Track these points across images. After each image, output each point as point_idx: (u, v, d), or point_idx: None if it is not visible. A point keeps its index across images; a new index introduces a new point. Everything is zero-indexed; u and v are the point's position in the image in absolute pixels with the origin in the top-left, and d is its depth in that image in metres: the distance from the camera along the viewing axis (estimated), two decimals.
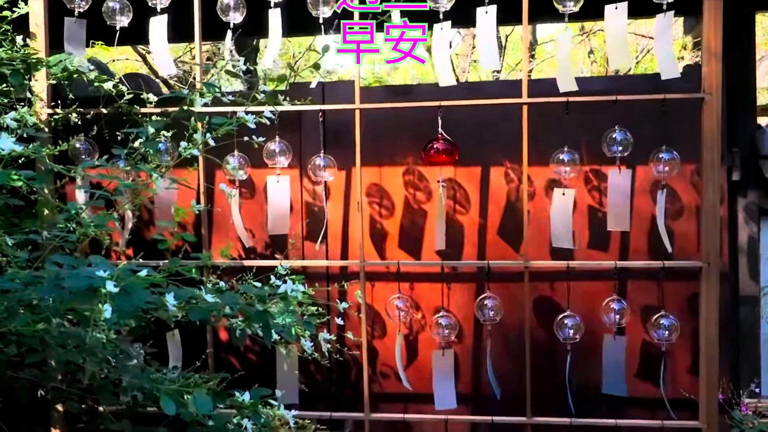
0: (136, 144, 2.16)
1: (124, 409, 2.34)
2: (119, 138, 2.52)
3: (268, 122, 2.10)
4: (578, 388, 2.93)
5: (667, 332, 2.76)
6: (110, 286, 1.33)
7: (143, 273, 1.49)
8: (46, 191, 2.62)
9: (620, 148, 2.75)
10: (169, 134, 2.25)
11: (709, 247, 2.67)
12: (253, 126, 2.01)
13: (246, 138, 2.13)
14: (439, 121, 2.77)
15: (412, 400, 3.08)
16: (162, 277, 1.65)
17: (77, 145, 2.87)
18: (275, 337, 1.92)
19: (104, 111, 2.75)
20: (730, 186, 3.05)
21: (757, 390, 2.78)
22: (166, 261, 1.98)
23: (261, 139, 2.10)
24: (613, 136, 2.75)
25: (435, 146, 2.81)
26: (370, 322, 3.10)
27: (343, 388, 3.15)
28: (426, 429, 3.08)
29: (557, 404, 2.88)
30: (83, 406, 2.75)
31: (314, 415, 2.86)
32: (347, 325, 3.10)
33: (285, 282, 1.76)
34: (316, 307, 2.15)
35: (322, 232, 3.00)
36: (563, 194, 2.81)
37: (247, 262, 2.84)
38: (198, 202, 2.95)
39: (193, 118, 2.08)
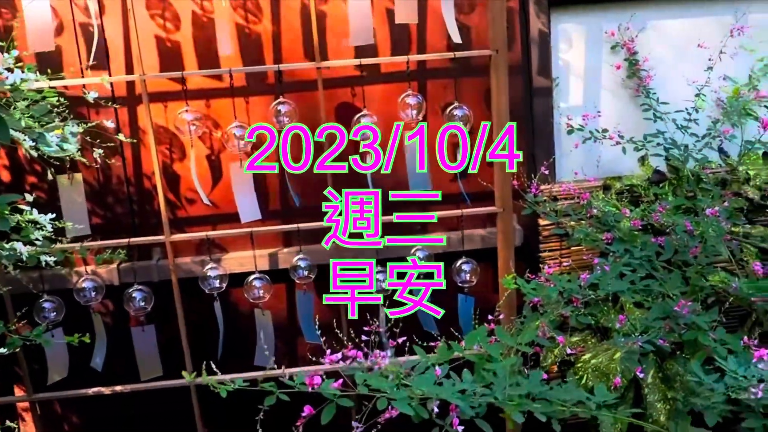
0: None
1: None
2: None
3: None
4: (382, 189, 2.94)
5: (461, 123, 2.78)
6: None
7: None
8: None
9: None
10: None
11: (496, 35, 2.65)
12: None
13: None
14: None
15: (223, 221, 2.98)
16: None
17: None
18: (28, 141, 1.72)
19: None
20: None
21: (546, 173, 2.88)
22: None
23: None
24: None
25: None
26: (167, 145, 2.94)
27: (147, 217, 3.00)
28: (237, 246, 3.01)
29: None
30: None
31: (110, 243, 2.71)
32: (142, 151, 2.93)
33: (12, 72, 1.54)
34: (57, 98, 1.93)
35: (94, 48, 2.74)
36: None
37: None
38: None
39: None
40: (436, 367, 1.88)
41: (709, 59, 2.98)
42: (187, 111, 2.72)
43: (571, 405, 1.94)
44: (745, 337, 2.12)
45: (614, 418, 2.38)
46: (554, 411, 1.94)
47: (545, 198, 2.98)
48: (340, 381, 1.77)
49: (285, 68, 2.72)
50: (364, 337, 2.03)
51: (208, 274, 2.79)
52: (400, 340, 2.11)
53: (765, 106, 2.42)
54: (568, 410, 1.93)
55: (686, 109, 3.00)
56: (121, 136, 2.66)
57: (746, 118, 2.49)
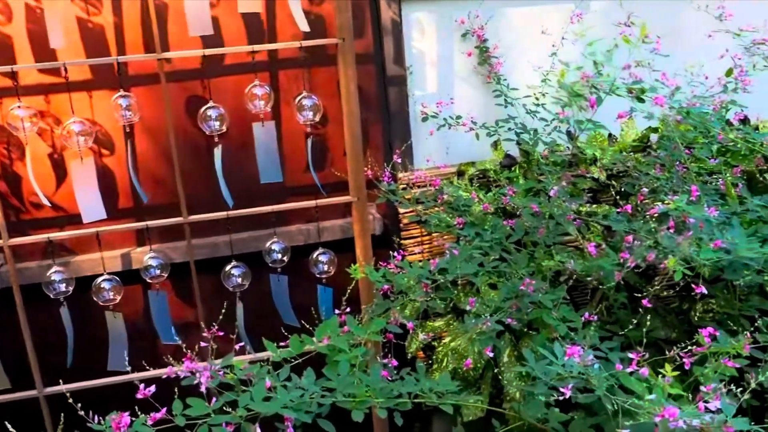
0: None
1: None
2: None
3: None
4: (238, 182, 2.78)
5: (311, 113, 2.65)
6: None
7: None
8: None
9: None
10: None
11: (342, 23, 2.53)
12: None
13: None
14: None
15: (72, 222, 2.73)
16: None
17: None
18: None
19: None
20: None
21: (399, 161, 2.78)
22: None
23: None
24: None
25: None
26: (5, 144, 2.67)
27: None
28: (89, 248, 2.76)
29: (215, 200, 2.70)
30: None
31: None
32: None
33: None
34: None
35: None
36: None
37: None
38: None
39: None
40: (267, 380, 1.74)
41: (553, 45, 2.95)
42: (19, 107, 2.47)
43: (413, 396, 1.85)
44: (587, 314, 2.10)
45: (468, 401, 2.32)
46: (397, 404, 1.84)
47: (404, 186, 2.89)
48: (161, 412, 1.60)
49: (124, 60, 2.50)
50: (203, 344, 1.88)
51: (53, 278, 2.55)
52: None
53: (594, 87, 2.41)
54: (410, 402, 1.84)
55: (534, 94, 2.97)
56: None
57: (577, 99, 2.48)
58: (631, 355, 1.70)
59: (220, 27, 2.69)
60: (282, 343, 1.99)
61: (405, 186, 2.89)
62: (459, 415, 2.64)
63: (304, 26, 2.60)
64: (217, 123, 2.57)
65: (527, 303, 2.21)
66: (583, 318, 2.09)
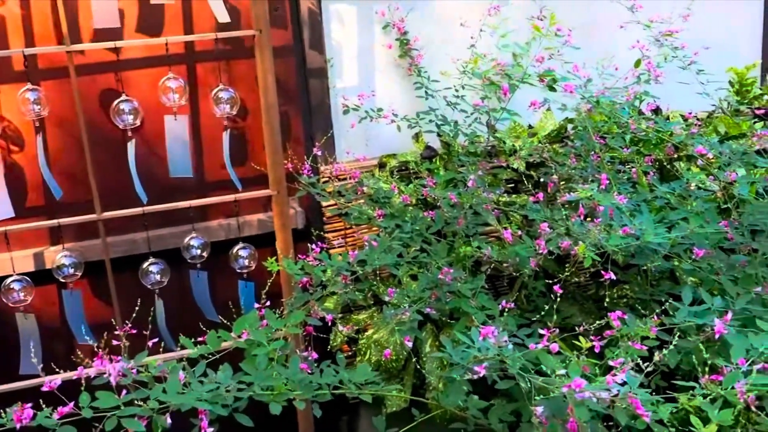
0: None
1: None
2: None
3: None
4: (155, 177, 2.71)
5: (228, 106, 2.60)
6: None
7: None
8: None
9: None
10: None
11: (258, 15, 2.48)
12: None
13: None
14: None
15: None
16: None
17: None
18: None
19: None
20: None
21: (319, 153, 2.76)
22: None
23: None
24: None
25: None
26: None
27: None
28: None
29: (131, 196, 2.63)
30: None
31: None
32: None
33: None
34: None
35: None
36: None
37: None
38: None
39: None
40: (181, 372, 1.70)
41: (471, 38, 2.97)
42: None
43: (332, 388, 1.85)
44: (504, 301, 2.12)
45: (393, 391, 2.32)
46: (316, 396, 1.83)
47: (326, 179, 2.87)
48: (69, 407, 1.55)
49: (31, 53, 2.40)
50: (115, 342, 1.83)
51: None
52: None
53: (507, 75, 2.44)
54: (329, 393, 1.83)
55: (454, 86, 2.98)
56: None
57: (493, 87, 2.51)
58: (542, 331, 1.73)
59: (126, 17, 2.61)
60: (200, 339, 1.95)
61: (327, 179, 2.88)
62: (383, 406, 2.64)
63: (224, 17, 2.55)
64: (131, 117, 2.49)
65: (446, 292, 2.23)
66: (500, 306, 2.12)
